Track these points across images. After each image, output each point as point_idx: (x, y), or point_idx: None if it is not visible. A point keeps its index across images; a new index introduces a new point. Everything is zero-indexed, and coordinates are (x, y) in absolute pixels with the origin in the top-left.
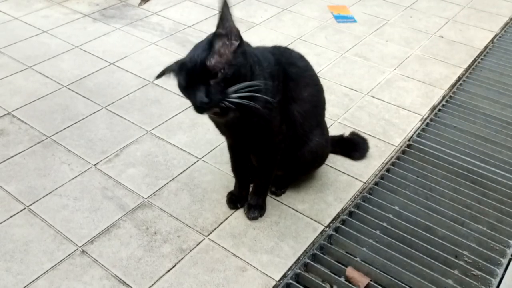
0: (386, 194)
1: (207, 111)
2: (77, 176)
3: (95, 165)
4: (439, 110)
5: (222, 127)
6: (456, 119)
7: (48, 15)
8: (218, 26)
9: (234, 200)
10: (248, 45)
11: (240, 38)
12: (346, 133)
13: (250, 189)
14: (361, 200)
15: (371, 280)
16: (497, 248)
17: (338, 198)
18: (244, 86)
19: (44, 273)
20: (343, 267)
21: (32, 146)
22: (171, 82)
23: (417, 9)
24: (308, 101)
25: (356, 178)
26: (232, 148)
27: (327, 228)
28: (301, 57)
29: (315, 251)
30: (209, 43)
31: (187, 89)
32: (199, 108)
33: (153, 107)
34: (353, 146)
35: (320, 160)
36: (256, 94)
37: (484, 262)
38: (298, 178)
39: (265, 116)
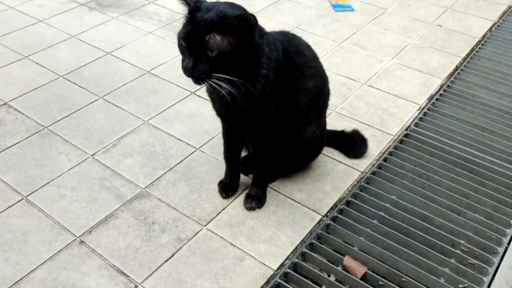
0: (383, 183)
1: (188, 77)
2: (74, 166)
3: (92, 155)
4: (437, 99)
5: (218, 105)
6: (454, 109)
7: (44, 4)
8: (235, 17)
9: (226, 189)
10: (261, 30)
11: (249, 38)
12: (348, 128)
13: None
14: (359, 190)
15: (368, 269)
16: (494, 237)
17: (336, 187)
18: (229, 79)
19: (42, 263)
20: (340, 256)
21: (29, 136)
22: (168, 72)
23: None
24: (313, 91)
25: (354, 168)
26: (227, 132)
27: (325, 218)
28: (308, 47)
29: (313, 241)
30: (222, 19)
31: (183, 42)
32: (184, 70)
33: (150, 97)
34: (352, 144)
35: (314, 152)
36: (229, 90)
37: (480, 251)
38: (291, 168)
39: (258, 104)
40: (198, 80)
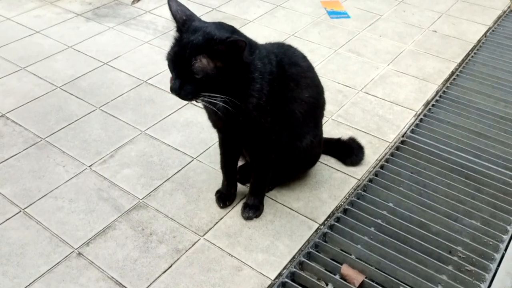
0: (380, 191)
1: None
2: (72, 177)
3: (90, 166)
4: (433, 105)
5: (213, 117)
6: (450, 114)
7: (41, 15)
8: (222, 42)
9: (223, 199)
10: (252, 46)
11: (237, 59)
12: (344, 135)
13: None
14: (356, 198)
15: (366, 277)
16: (491, 243)
17: (333, 195)
18: (217, 96)
19: (40, 276)
20: (338, 265)
21: (27, 148)
22: (165, 81)
23: (410, 3)
24: (309, 102)
25: (350, 176)
26: (223, 142)
27: (322, 226)
28: (303, 57)
29: (310, 249)
30: (209, 42)
31: (171, 62)
32: (171, 90)
33: (147, 107)
34: (348, 152)
35: (311, 161)
36: (223, 105)
37: (477, 257)
38: (288, 177)
39: (252, 117)
40: (185, 99)
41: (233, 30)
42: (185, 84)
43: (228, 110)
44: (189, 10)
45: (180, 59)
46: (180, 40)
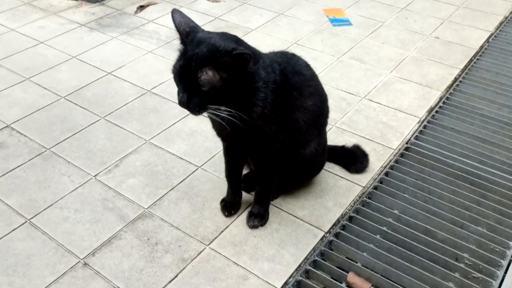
0: (385, 198)
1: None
2: (77, 187)
3: (95, 176)
4: (437, 111)
5: (218, 127)
6: (454, 121)
7: (45, 26)
8: (228, 54)
9: (228, 207)
10: (256, 56)
11: (242, 70)
12: (348, 143)
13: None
14: (361, 205)
15: (372, 285)
16: (497, 249)
17: (338, 203)
18: (225, 109)
19: (46, 286)
20: (344, 273)
21: (32, 158)
22: (169, 91)
23: (412, 10)
24: (312, 110)
25: (355, 183)
26: (227, 151)
27: (327, 234)
28: (307, 66)
29: (316, 258)
30: (214, 54)
31: (176, 77)
32: (179, 103)
33: (151, 116)
34: (352, 159)
35: (315, 169)
36: (228, 116)
37: (484, 264)
38: (293, 185)
39: (256, 126)
40: (194, 112)
41: (237, 40)
42: (192, 97)
43: (233, 120)
44: (192, 22)
45: (186, 72)
46: (185, 53)
